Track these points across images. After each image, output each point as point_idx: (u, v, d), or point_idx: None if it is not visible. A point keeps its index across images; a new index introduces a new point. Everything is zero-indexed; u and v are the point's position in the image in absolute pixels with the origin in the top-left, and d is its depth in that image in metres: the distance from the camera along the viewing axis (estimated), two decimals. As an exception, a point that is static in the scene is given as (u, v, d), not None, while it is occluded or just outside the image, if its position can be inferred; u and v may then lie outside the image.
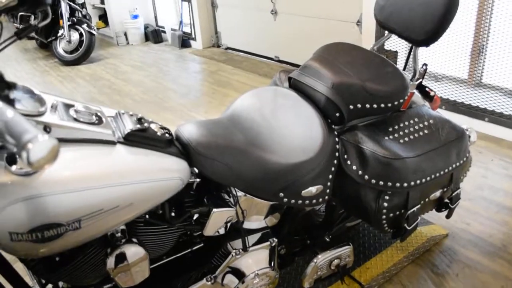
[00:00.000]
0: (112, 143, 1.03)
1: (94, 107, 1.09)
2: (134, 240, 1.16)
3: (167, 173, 1.11)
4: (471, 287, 1.81)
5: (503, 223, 2.17)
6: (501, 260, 1.94)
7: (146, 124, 1.13)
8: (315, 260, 1.53)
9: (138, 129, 1.09)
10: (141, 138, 1.09)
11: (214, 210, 1.26)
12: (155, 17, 7.32)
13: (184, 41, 6.48)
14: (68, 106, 1.03)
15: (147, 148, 1.10)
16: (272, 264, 1.47)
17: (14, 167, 0.87)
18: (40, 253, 0.95)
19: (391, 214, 1.42)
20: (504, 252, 1.98)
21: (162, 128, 1.19)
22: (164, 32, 6.95)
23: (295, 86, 1.54)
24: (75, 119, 1.00)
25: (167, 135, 1.17)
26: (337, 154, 1.38)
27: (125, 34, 7.03)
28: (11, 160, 0.88)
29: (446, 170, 1.48)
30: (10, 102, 0.64)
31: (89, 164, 0.97)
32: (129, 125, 1.09)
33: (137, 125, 1.10)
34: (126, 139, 1.07)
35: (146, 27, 7.10)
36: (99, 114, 1.08)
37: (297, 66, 4.81)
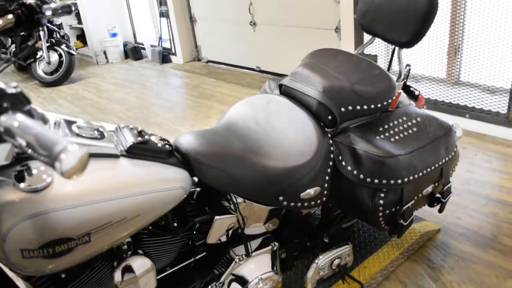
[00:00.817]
0: (115, 156, 1.05)
1: (95, 123, 1.11)
2: (140, 251, 1.17)
3: (170, 183, 1.13)
4: (466, 278, 1.85)
5: (491, 215, 2.23)
6: (493, 250, 1.99)
7: (146, 137, 1.15)
8: (316, 261, 1.56)
9: (139, 141, 1.11)
10: (143, 150, 1.11)
11: (216, 217, 1.29)
12: (134, 34, 7.32)
13: (165, 57, 6.50)
14: (70, 123, 1.04)
15: (149, 159, 1.12)
16: (275, 268, 1.49)
17: (22, 185, 0.89)
18: (49, 269, 0.96)
19: (387, 211, 1.46)
20: (495, 242, 2.04)
21: (162, 139, 1.21)
22: (144, 48, 6.95)
23: (287, 92, 1.58)
24: (78, 135, 1.02)
25: (167, 146, 1.19)
26: (332, 155, 1.42)
27: (105, 53, 7.01)
28: (20, 177, 0.89)
29: (437, 165, 1.53)
30: (32, 117, 0.66)
31: (95, 178, 0.99)
32: (130, 138, 1.11)
33: (138, 138, 1.12)
34: (128, 152, 1.08)
35: (125, 45, 7.09)
36: (100, 129, 1.09)
37: (279, 75, 4.88)
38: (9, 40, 6.00)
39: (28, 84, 6.06)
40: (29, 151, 0.61)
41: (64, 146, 0.58)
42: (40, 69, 5.78)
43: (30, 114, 0.67)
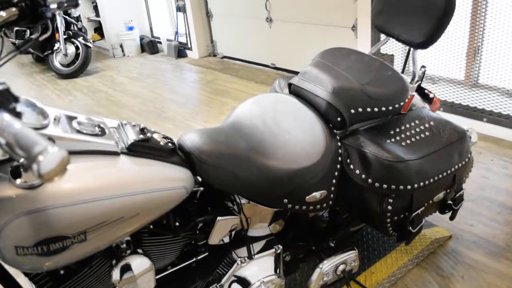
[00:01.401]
0: (115, 154, 1.03)
1: (96, 119, 1.09)
2: (139, 251, 1.15)
3: (171, 183, 1.10)
4: (477, 288, 1.81)
5: (506, 223, 2.17)
6: (506, 260, 1.94)
7: (148, 134, 1.12)
8: (320, 266, 1.52)
9: (141, 139, 1.09)
10: (144, 148, 1.09)
11: (219, 218, 1.26)
12: (151, 28, 7.34)
13: (180, 51, 6.50)
14: (71, 118, 1.02)
15: (151, 158, 1.10)
16: (278, 271, 1.46)
17: (18, 181, 0.87)
18: (45, 266, 0.94)
19: (396, 217, 1.42)
20: (508, 252, 1.98)
21: (165, 137, 1.19)
22: (160, 42, 6.97)
23: (296, 92, 1.54)
24: (78, 131, 1.00)
25: (170, 144, 1.17)
26: (339, 158, 1.38)
27: (121, 46, 7.05)
28: (16, 173, 0.88)
29: (449, 172, 1.48)
30: (18, 115, 0.64)
31: (93, 176, 0.97)
32: (132, 136, 1.09)
33: (140, 135, 1.09)
34: (129, 150, 1.06)
35: (141, 38, 7.12)
36: (101, 125, 1.07)
37: (294, 72, 4.84)
38: (28, 31, 6.07)
39: (45, 75, 6.13)
40: (8, 150, 0.59)
41: (44, 147, 0.56)
42: (57, 61, 5.84)
43: (16, 112, 0.65)
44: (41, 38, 1.14)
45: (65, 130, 0.98)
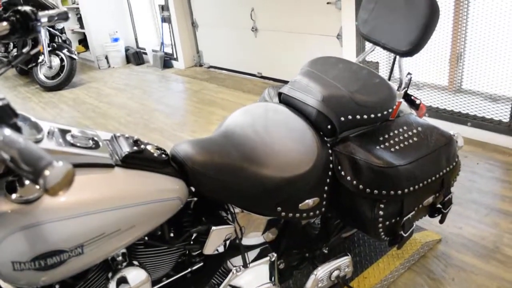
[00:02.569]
0: (110, 166, 1.03)
1: (90, 132, 1.09)
2: (135, 263, 1.15)
3: (166, 194, 1.11)
4: (468, 290, 1.83)
5: (493, 225, 2.21)
6: (494, 261, 1.97)
7: (142, 146, 1.13)
8: (315, 273, 1.53)
9: (135, 151, 1.09)
10: (138, 160, 1.09)
11: (213, 228, 1.26)
12: (136, 39, 7.33)
13: (166, 62, 6.50)
14: (64, 132, 1.02)
15: (145, 169, 1.10)
16: (273, 279, 1.47)
17: (14, 195, 0.87)
18: (41, 281, 0.94)
19: (387, 222, 1.44)
20: (497, 253, 2.01)
21: (158, 148, 1.19)
22: (146, 53, 6.96)
23: (286, 101, 1.56)
24: (72, 144, 1.00)
25: (163, 155, 1.17)
26: (331, 165, 1.40)
27: (106, 58, 7.02)
28: (11, 188, 0.88)
29: (437, 176, 1.51)
30: (18, 130, 0.64)
31: (89, 189, 0.97)
32: (125, 148, 1.09)
33: (133, 147, 1.10)
34: (123, 162, 1.07)
35: (127, 50, 7.10)
36: (95, 138, 1.07)
37: (280, 81, 4.87)
38: (11, 44, 6.02)
39: (29, 88, 6.07)
40: (13, 166, 0.59)
41: (49, 162, 0.56)
42: (42, 73, 5.80)
43: (16, 127, 0.66)
44: (32, 52, 1.14)
45: (59, 143, 0.98)
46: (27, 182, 0.89)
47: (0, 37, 1.06)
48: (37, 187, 0.88)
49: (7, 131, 0.63)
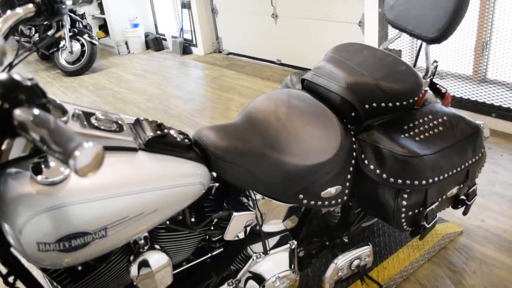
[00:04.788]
0: (134, 150, 1.03)
1: (114, 115, 1.09)
2: (157, 247, 1.16)
3: (189, 178, 1.11)
4: (489, 283, 1.80)
5: (517, 218, 2.16)
6: (517, 255, 1.93)
7: (165, 130, 1.13)
8: (335, 261, 1.52)
9: (158, 135, 1.09)
10: (161, 144, 1.09)
11: (234, 214, 1.26)
12: (155, 25, 7.34)
13: (185, 48, 6.50)
14: (89, 115, 1.03)
15: (168, 154, 1.10)
16: (293, 267, 1.46)
17: (39, 177, 0.87)
18: (65, 262, 0.94)
19: (410, 212, 1.41)
20: (520, 247, 1.98)
21: (181, 133, 1.19)
22: (165, 39, 6.97)
23: (309, 87, 1.54)
24: (96, 127, 1.00)
25: (186, 140, 1.17)
26: (354, 154, 1.38)
27: (126, 43, 7.05)
28: (37, 170, 0.88)
29: (463, 167, 1.47)
30: (47, 111, 0.64)
31: (113, 172, 0.97)
32: (149, 132, 1.09)
33: (157, 132, 1.10)
34: (147, 146, 1.06)
35: (146, 35, 7.12)
36: (119, 121, 1.07)
37: (300, 68, 4.83)
38: (33, 29, 6.08)
39: (50, 73, 6.14)
40: (43, 147, 0.59)
41: (79, 143, 0.56)
42: (63, 58, 5.85)
43: (46, 107, 0.65)
44: (57, 35, 1.15)
45: (84, 126, 0.98)
46: (52, 164, 0.90)
47: (26, 19, 1.06)
48: (62, 169, 0.89)
49: (37, 111, 0.63)
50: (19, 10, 1.06)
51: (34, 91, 0.66)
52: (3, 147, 0.88)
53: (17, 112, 0.64)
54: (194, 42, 6.38)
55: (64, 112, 0.97)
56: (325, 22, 4.44)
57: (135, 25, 6.97)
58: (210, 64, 5.80)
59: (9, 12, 1.05)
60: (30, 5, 1.06)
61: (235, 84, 4.81)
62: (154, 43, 6.99)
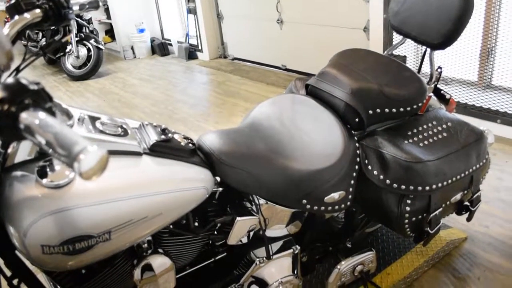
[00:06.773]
0: (138, 154, 1.04)
1: (119, 119, 1.10)
2: (160, 250, 1.16)
3: (192, 183, 1.11)
4: (494, 290, 1.79)
5: (522, 225, 2.15)
6: (522, 262, 1.92)
7: (170, 135, 1.14)
8: (338, 267, 1.52)
9: (162, 139, 1.10)
10: (166, 148, 1.10)
11: (238, 218, 1.26)
12: (161, 30, 7.38)
13: (191, 53, 6.52)
14: (94, 119, 1.04)
15: (172, 158, 1.11)
16: (295, 272, 1.46)
17: (45, 180, 0.88)
18: (69, 265, 0.95)
19: (414, 218, 1.41)
20: (525, 254, 1.96)
21: (185, 138, 1.20)
22: (171, 44, 7.00)
23: (313, 93, 1.54)
24: (102, 131, 1.01)
25: (190, 145, 1.17)
26: (358, 159, 1.38)
27: (132, 48, 7.09)
28: (42, 173, 0.89)
29: (467, 172, 1.47)
30: (53, 115, 0.65)
31: (117, 176, 0.98)
32: (153, 136, 1.10)
33: (161, 136, 1.11)
34: (151, 150, 1.07)
35: (152, 40, 7.16)
36: (124, 126, 1.09)
37: (305, 74, 4.84)
38: (40, 34, 6.13)
39: (57, 77, 6.18)
40: (49, 150, 0.60)
41: (84, 147, 0.57)
42: (69, 63, 5.89)
43: (51, 111, 0.66)
44: (63, 40, 1.16)
45: (89, 130, 0.99)
46: (57, 167, 0.91)
47: (33, 25, 1.08)
48: (67, 172, 0.90)
49: (43, 115, 0.64)
50: (27, 15, 1.07)
51: (40, 95, 0.67)
52: (9, 150, 0.89)
53: (24, 115, 0.65)
54: (200, 47, 6.41)
55: (70, 116, 0.99)
56: (330, 27, 4.45)
57: (141, 30, 7.01)
58: (215, 69, 5.82)
59: (16, 17, 1.07)
60: (37, 10, 1.08)
61: (240, 89, 4.82)
62: (160, 48, 7.02)
